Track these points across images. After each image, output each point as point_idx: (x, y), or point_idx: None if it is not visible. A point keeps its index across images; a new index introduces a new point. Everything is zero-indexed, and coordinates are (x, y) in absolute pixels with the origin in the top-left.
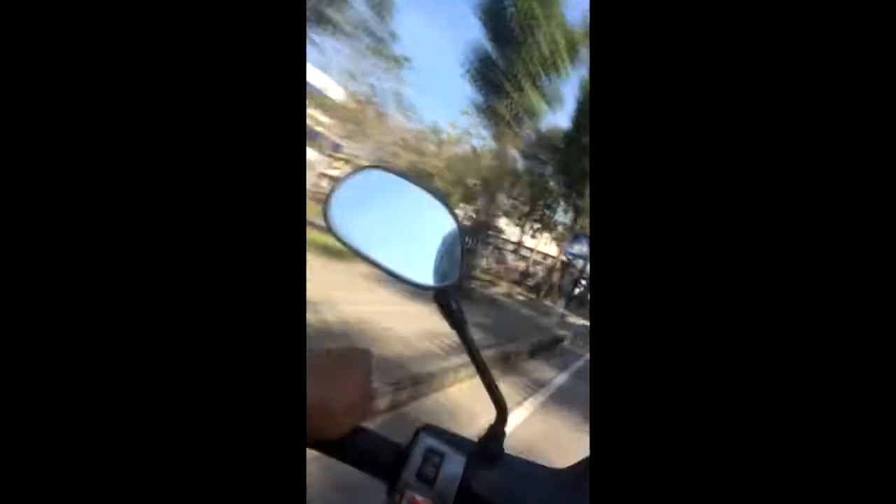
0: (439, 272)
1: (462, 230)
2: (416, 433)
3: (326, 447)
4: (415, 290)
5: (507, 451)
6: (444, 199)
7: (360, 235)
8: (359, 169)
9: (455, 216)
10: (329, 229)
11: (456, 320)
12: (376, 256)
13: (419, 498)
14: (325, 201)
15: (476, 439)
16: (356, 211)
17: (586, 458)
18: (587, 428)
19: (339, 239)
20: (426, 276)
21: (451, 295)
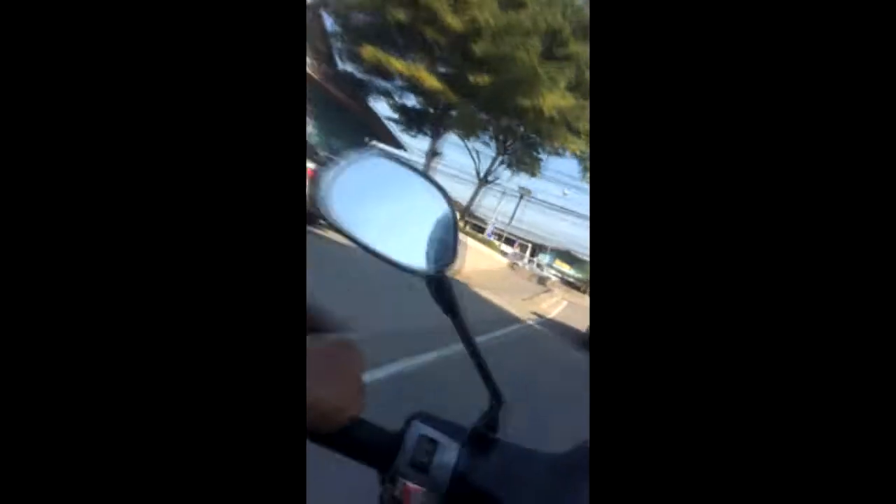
0: (433, 257)
1: (455, 215)
2: (409, 420)
3: (318, 437)
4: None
5: (501, 437)
6: (438, 183)
7: (352, 219)
8: (352, 154)
9: (450, 201)
10: (321, 213)
11: (450, 306)
12: (369, 240)
13: (413, 486)
14: (317, 185)
15: (470, 426)
16: (350, 195)
17: (582, 442)
18: None
19: (331, 223)
20: (419, 261)
21: (444, 280)
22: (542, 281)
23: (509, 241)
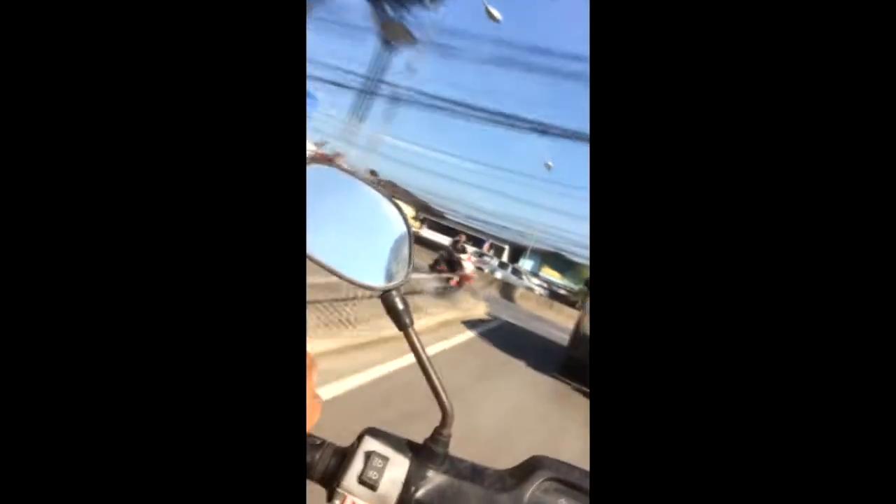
0: (387, 272)
1: (410, 231)
2: (360, 436)
3: None
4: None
5: (451, 453)
6: (392, 199)
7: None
8: (307, 166)
9: (405, 217)
10: None
11: (402, 321)
12: (322, 256)
13: (360, 503)
14: None
15: (421, 441)
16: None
17: (530, 458)
18: None
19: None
20: (374, 277)
21: (397, 295)
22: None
23: (477, 241)
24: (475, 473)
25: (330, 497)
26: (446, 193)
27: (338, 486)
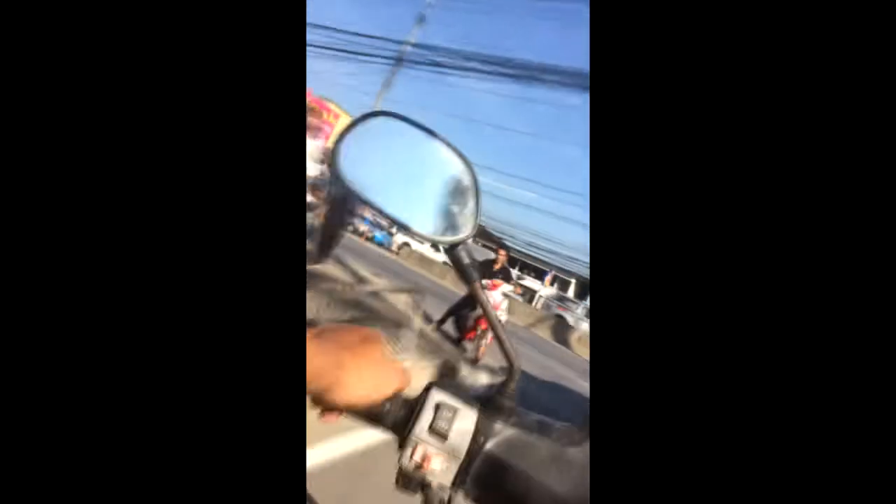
0: (452, 224)
1: (477, 181)
2: (428, 388)
3: (337, 406)
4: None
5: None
6: (457, 149)
7: (372, 184)
8: (373, 114)
9: (470, 167)
10: (339, 175)
11: (468, 275)
12: (387, 206)
13: (432, 451)
14: (335, 146)
15: (487, 393)
16: (368, 158)
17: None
18: None
19: (349, 186)
20: (439, 230)
21: (463, 249)
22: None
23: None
24: (543, 427)
25: (402, 445)
26: (502, 216)
27: (409, 435)
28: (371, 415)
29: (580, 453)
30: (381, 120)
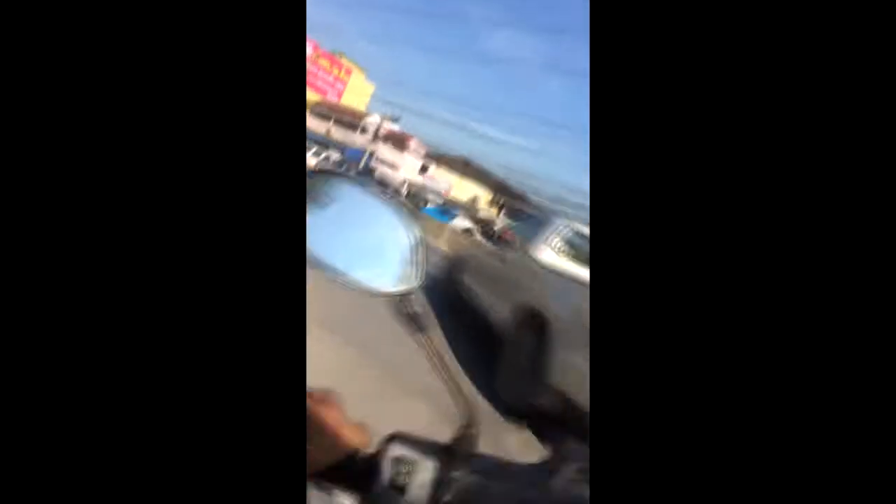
0: (400, 277)
1: (421, 236)
2: (386, 442)
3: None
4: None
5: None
6: (398, 205)
7: (316, 243)
8: (315, 176)
9: (413, 222)
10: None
11: (420, 326)
12: (334, 263)
13: None
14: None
15: (446, 443)
16: (312, 219)
17: (558, 448)
18: None
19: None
20: (387, 283)
21: (413, 300)
22: None
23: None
24: (503, 470)
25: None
26: (529, 168)
27: (369, 492)
28: (328, 474)
29: (540, 494)
30: (325, 181)
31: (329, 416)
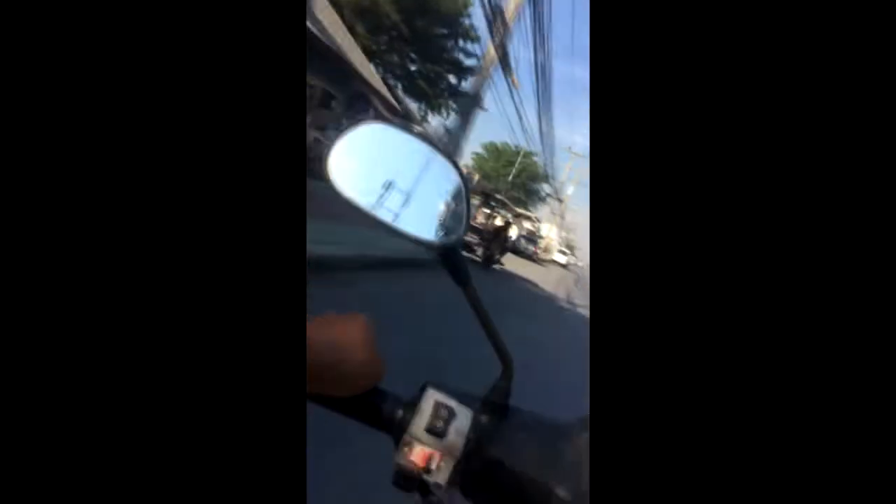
0: (443, 227)
1: (467, 185)
2: (423, 387)
3: (332, 403)
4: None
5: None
6: (447, 152)
7: (361, 190)
8: (360, 122)
9: (460, 170)
10: (329, 184)
11: (460, 277)
12: (378, 212)
13: (428, 451)
14: (325, 155)
15: (482, 394)
16: (357, 165)
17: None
18: None
19: (339, 194)
20: (429, 232)
21: (455, 251)
22: None
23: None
24: (537, 423)
25: (398, 444)
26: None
27: (405, 435)
28: (368, 414)
29: (578, 449)
30: (371, 127)
31: (361, 337)
